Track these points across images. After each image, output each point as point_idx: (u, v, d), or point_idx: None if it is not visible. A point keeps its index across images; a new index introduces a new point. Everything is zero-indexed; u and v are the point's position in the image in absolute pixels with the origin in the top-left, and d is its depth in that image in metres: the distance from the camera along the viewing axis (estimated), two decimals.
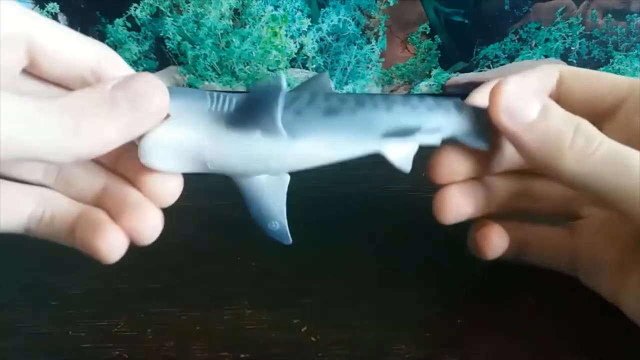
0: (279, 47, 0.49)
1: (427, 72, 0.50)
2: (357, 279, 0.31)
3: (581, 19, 0.47)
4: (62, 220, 0.24)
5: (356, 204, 0.35)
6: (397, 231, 0.33)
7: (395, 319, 0.28)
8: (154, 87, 0.21)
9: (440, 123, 0.25)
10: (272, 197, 0.25)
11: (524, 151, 0.24)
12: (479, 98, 0.27)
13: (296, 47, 0.49)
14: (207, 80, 0.51)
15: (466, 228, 0.29)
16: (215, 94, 0.24)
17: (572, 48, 0.48)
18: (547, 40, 0.47)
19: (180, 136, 0.23)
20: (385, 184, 0.36)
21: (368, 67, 0.49)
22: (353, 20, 0.48)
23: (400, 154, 0.25)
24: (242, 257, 0.32)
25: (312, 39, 0.48)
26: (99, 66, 0.24)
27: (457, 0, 0.46)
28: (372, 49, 0.49)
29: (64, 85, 0.25)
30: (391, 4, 0.47)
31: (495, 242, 0.28)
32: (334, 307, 0.29)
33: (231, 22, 0.48)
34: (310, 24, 0.48)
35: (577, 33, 0.47)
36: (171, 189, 0.24)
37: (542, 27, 0.47)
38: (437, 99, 0.25)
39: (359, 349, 0.27)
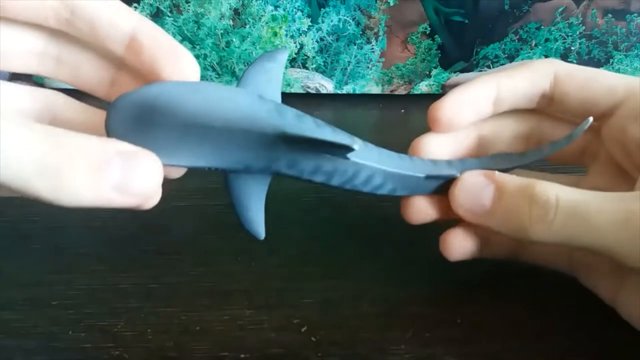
0: (279, 47, 0.49)
1: (427, 72, 0.50)
2: (357, 279, 0.31)
3: (581, 19, 0.47)
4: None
5: (356, 204, 0.35)
6: (397, 231, 0.33)
7: (395, 319, 0.28)
8: (154, 177, 0.21)
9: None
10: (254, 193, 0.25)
11: (491, 232, 0.26)
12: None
13: (296, 47, 0.49)
14: (207, 80, 0.51)
15: None
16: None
17: (572, 48, 0.48)
18: (547, 40, 0.47)
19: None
20: None
21: (368, 67, 0.49)
22: (353, 20, 0.48)
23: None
24: (242, 257, 0.32)
25: (312, 39, 0.48)
26: (135, 37, 0.23)
27: (457, 0, 0.46)
28: (372, 48, 0.49)
29: (40, 23, 0.23)
30: (391, 4, 0.47)
31: (457, 244, 0.28)
32: (334, 307, 0.29)
33: (231, 22, 0.48)
34: (310, 23, 0.48)
35: (577, 33, 0.47)
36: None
37: (542, 27, 0.47)
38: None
39: (359, 349, 0.27)
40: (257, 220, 0.25)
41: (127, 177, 0.20)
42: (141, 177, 0.20)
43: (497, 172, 0.26)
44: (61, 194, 0.19)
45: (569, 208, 0.23)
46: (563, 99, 0.28)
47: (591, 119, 0.26)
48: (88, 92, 0.26)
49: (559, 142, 0.27)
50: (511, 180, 0.25)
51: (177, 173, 0.25)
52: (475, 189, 0.25)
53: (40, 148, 0.18)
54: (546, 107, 0.29)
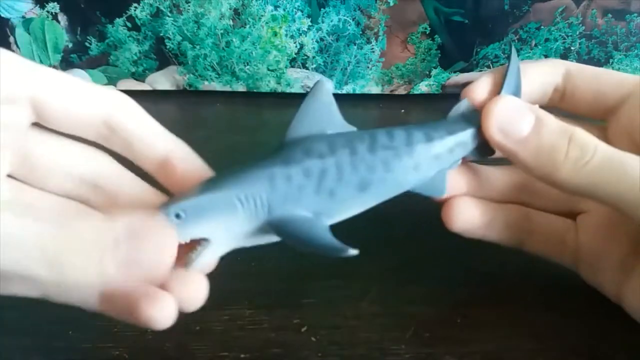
0: (279, 47, 0.49)
1: (427, 72, 0.50)
2: (357, 279, 0.31)
3: (581, 19, 0.47)
4: (85, 288, 0.23)
5: None
6: (397, 231, 0.33)
7: (395, 318, 0.28)
8: (163, 253, 0.20)
9: (459, 155, 0.26)
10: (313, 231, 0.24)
11: (520, 166, 0.25)
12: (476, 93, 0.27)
13: (296, 47, 0.49)
14: (207, 80, 0.51)
15: None
16: (244, 198, 0.23)
17: (572, 48, 0.48)
18: (547, 40, 0.48)
19: (222, 252, 0.24)
20: None
21: (368, 67, 0.49)
22: (353, 20, 0.48)
23: (430, 190, 0.26)
24: (242, 257, 0.32)
25: (312, 39, 0.48)
26: (112, 119, 0.24)
27: (457, 0, 0.46)
28: (372, 48, 0.49)
29: (81, 136, 0.24)
30: (391, 4, 0.47)
31: (463, 212, 0.27)
32: (333, 307, 0.29)
33: (231, 22, 0.48)
34: (310, 23, 0.48)
35: (577, 33, 0.47)
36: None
37: (542, 27, 0.47)
38: (451, 128, 0.26)
39: (359, 349, 0.27)
40: (333, 242, 0.23)
41: (134, 256, 0.20)
42: (149, 255, 0.20)
43: (538, 106, 0.25)
44: (65, 277, 0.19)
45: (606, 156, 0.23)
46: (574, 93, 0.28)
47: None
48: None
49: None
50: (552, 117, 0.25)
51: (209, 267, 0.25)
52: (515, 113, 0.25)
53: (38, 234, 0.19)
54: (558, 102, 0.29)
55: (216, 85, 0.51)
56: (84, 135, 0.24)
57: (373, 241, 0.33)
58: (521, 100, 0.25)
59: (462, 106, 0.27)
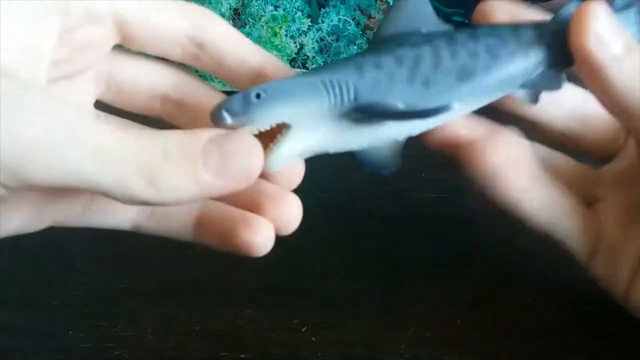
0: (279, 47, 0.49)
1: None
2: (357, 279, 0.31)
3: None
4: (180, 215, 0.24)
5: (356, 204, 0.35)
6: (397, 231, 0.33)
7: (395, 319, 0.28)
8: (251, 153, 0.20)
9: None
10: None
11: (604, 88, 0.22)
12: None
13: (296, 47, 0.49)
14: (207, 79, 0.51)
15: (467, 229, 0.29)
16: (329, 83, 0.21)
17: None
18: None
19: (305, 144, 0.22)
20: (385, 183, 0.36)
21: None
22: (353, 20, 0.48)
23: (547, 83, 0.24)
24: (242, 257, 0.32)
25: (312, 39, 0.48)
26: (197, 33, 0.23)
27: (457, 0, 0.46)
28: None
29: (167, 57, 0.24)
30: (391, 3, 0.47)
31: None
32: (334, 307, 0.29)
33: (231, 22, 0.48)
34: (310, 24, 0.48)
35: None
36: (297, 174, 0.24)
37: None
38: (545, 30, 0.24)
39: (359, 349, 0.27)
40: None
41: (224, 160, 0.19)
42: (238, 157, 0.19)
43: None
44: (162, 191, 0.18)
45: None
46: None
47: None
48: None
49: None
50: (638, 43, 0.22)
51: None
52: (614, 26, 0.22)
53: (132, 148, 0.18)
54: None
55: (216, 86, 0.51)
56: (170, 55, 0.23)
57: (373, 241, 0.33)
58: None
59: (570, 8, 0.24)
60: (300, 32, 0.48)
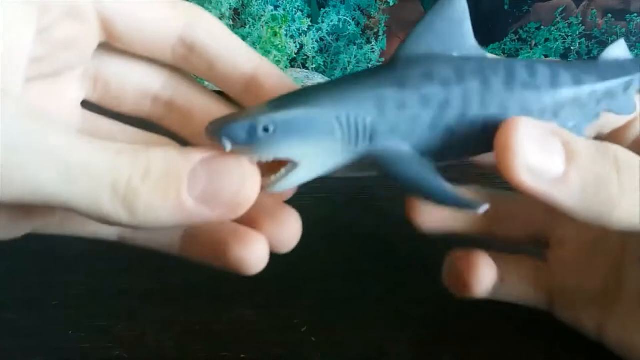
0: (279, 47, 0.49)
1: None
2: (357, 279, 0.31)
3: (581, 19, 0.47)
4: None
5: (356, 205, 0.35)
6: (397, 231, 0.33)
7: (395, 319, 0.28)
8: (246, 183, 0.18)
9: (604, 107, 0.22)
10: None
11: (562, 210, 0.19)
12: None
13: (296, 47, 0.49)
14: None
15: None
16: (345, 120, 0.19)
17: (572, 48, 0.48)
18: (547, 40, 0.48)
19: (309, 178, 0.20)
20: (385, 183, 0.36)
21: (368, 67, 0.49)
22: (353, 20, 0.48)
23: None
24: None
25: (312, 39, 0.49)
26: (189, 34, 0.21)
27: None
28: (372, 48, 0.49)
29: (157, 58, 0.22)
30: (391, 3, 0.47)
31: (486, 275, 0.24)
32: (333, 307, 0.29)
33: (231, 22, 0.48)
34: (310, 23, 0.48)
35: (577, 33, 0.47)
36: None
37: (542, 27, 0.47)
38: (603, 73, 0.21)
39: (359, 349, 0.27)
40: (459, 194, 0.19)
41: (214, 186, 0.17)
42: (231, 184, 0.17)
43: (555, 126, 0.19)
44: (137, 215, 0.17)
45: None
46: None
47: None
48: (196, 144, 0.23)
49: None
50: (576, 136, 0.19)
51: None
52: (541, 139, 0.18)
53: (107, 164, 0.16)
54: None
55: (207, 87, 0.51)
56: (160, 56, 0.22)
57: (373, 241, 0.33)
58: (535, 120, 0.19)
59: (618, 47, 0.22)
60: (301, 32, 0.48)
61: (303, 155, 0.19)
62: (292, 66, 0.50)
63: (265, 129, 0.18)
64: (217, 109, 0.23)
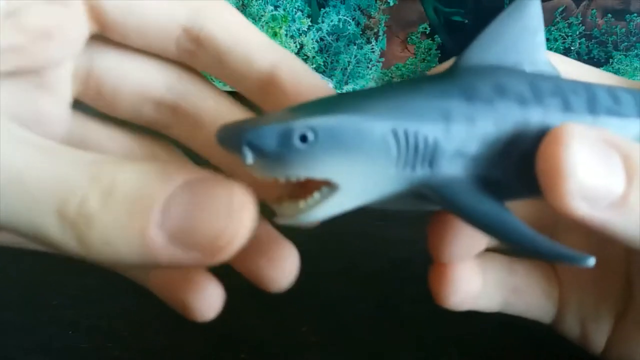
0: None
1: (427, 72, 0.50)
2: (357, 279, 0.31)
3: (581, 19, 0.47)
4: None
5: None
6: (397, 230, 0.33)
7: (395, 318, 0.28)
8: (234, 219, 0.13)
9: None
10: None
11: (618, 240, 0.16)
12: None
13: (296, 46, 0.49)
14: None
15: None
16: (403, 135, 0.15)
17: (572, 48, 0.48)
18: (547, 40, 0.48)
19: (346, 209, 0.16)
20: None
21: (368, 67, 0.49)
22: (353, 20, 0.48)
23: None
24: None
25: (312, 39, 0.49)
26: (195, 23, 0.18)
27: (456, 0, 0.46)
28: (372, 48, 0.49)
29: (159, 53, 0.19)
30: (391, 4, 0.47)
31: (462, 285, 0.21)
32: (333, 307, 0.29)
33: None
34: (310, 23, 0.48)
35: (577, 33, 0.47)
36: None
37: None
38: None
39: (359, 349, 0.27)
40: (555, 245, 0.15)
41: (192, 220, 0.13)
42: (214, 220, 0.13)
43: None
44: (89, 247, 0.13)
45: None
46: None
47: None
48: (209, 157, 0.20)
49: None
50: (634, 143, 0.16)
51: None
52: (598, 156, 0.15)
53: (60, 179, 0.13)
54: None
55: (218, 86, 0.51)
56: (162, 50, 0.18)
57: (373, 240, 0.33)
58: (586, 126, 0.15)
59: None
60: (301, 32, 0.48)
61: (346, 177, 0.15)
62: None
63: (303, 138, 0.14)
64: (232, 116, 0.20)
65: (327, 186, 0.15)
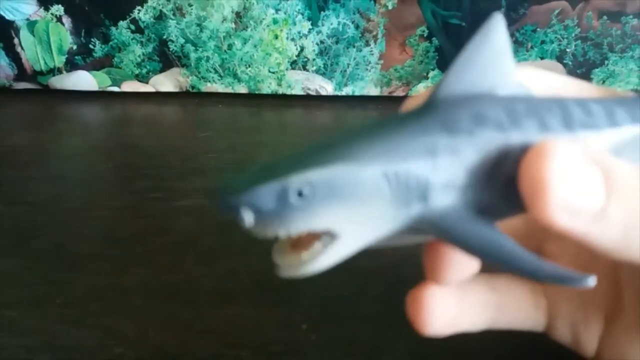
0: (280, 49, 0.49)
1: (425, 74, 0.50)
2: (357, 277, 0.31)
3: (577, 21, 0.47)
4: None
5: None
6: None
7: (395, 316, 0.28)
8: None
9: None
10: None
11: (599, 251, 0.17)
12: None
13: (297, 49, 0.49)
14: (209, 82, 0.51)
15: None
16: (394, 177, 0.16)
17: (568, 50, 0.48)
18: (542, 42, 0.48)
19: (348, 254, 0.17)
20: None
21: (367, 69, 0.50)
22: (352, 23, 0.48)
23: None
24: (242, 255, 0.32)
25: (312, 42, 0.49)
26: None
27: (454, 3, 0.46)
28: (371, 51, 0.49)
29: None
30: (390, 7, 0.47)
31: (437, 309, 0.22)
32: (334, 305, 0.29)
33: (233, 25, 0.49)
34: (310, 26, 0.48)
35: (573, 35, 0.47)
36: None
37: (538, 29, 0.47)
38: None
39: (359, 347, 0.27)
40: (555, 267, 0.15)
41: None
42: None
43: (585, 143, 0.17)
44: None
45: None
46: None
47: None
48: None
49: None
50: (615, 159, 0.17)
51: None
52: (578, 169, 0.15)
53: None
54: None
55: (218, 87, 0.52)
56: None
57: None
58: (568, 142, 0.16)
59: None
60: (301, 34, 0.49)
61: (345, 224, 0.16)
62: (293, 68, 0.50)
63: (300, 194, 0.15)
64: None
65: (327, 235, 0.16)
